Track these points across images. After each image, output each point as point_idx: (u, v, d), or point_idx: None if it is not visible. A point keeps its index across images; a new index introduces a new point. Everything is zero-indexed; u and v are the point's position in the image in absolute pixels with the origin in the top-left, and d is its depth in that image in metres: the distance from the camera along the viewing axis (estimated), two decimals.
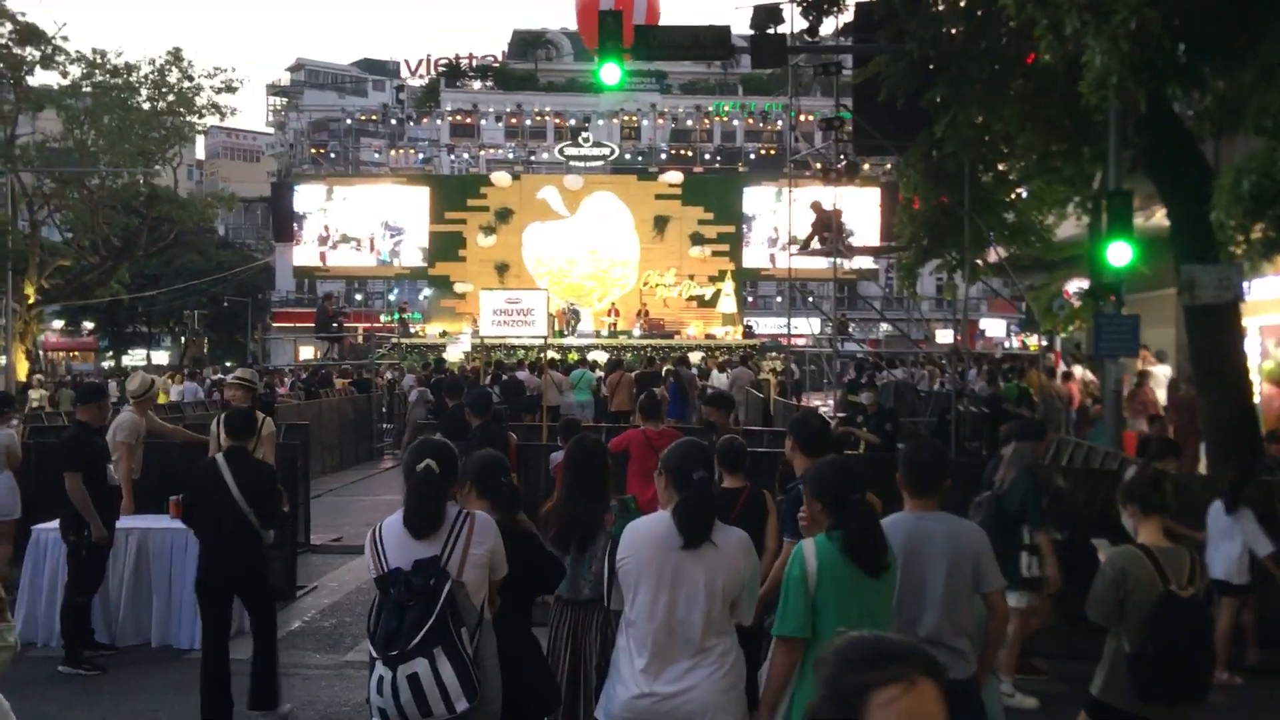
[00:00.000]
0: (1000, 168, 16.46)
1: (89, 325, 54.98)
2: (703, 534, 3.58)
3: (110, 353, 56.00)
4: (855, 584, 3.54)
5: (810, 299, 32.29)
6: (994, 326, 47.65)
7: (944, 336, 39.24)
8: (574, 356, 25.39)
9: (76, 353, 57.54)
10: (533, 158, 42.99)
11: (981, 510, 6.55)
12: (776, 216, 32.26)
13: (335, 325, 31.83)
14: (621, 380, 18.77)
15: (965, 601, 3.97)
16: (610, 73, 13.23)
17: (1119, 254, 11.33)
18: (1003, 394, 16.96)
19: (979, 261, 17.84)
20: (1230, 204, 6.94)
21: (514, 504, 4.28)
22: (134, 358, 55.16)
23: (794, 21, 15.99)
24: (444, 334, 31.14)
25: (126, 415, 7.85)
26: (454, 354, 29.37)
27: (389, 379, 23.38)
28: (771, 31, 13.85)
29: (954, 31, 13.32)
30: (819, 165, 22.37)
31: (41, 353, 50.61)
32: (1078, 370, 18.33)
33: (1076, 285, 18.20)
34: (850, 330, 30.44)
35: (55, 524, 7.14)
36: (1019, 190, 17.22)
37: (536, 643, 4.32)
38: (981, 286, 25.14)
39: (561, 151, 37.47)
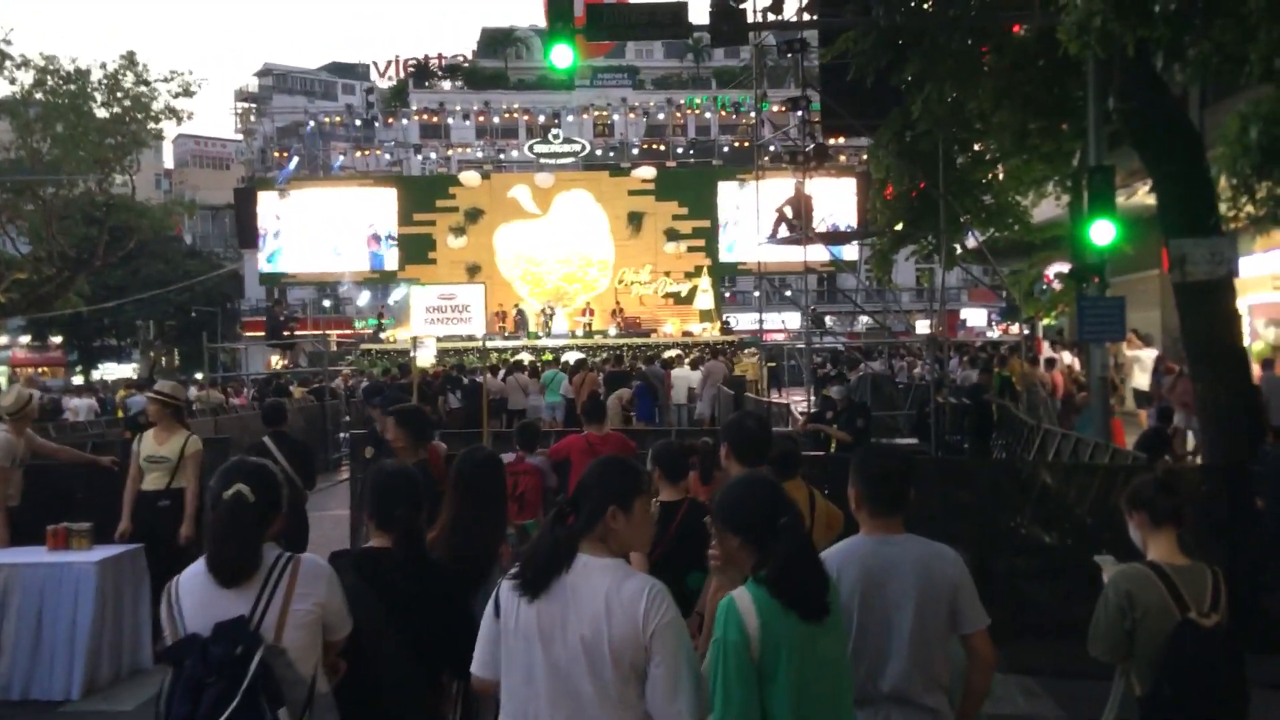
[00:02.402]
0: (976, 147, 15.80)
1: (57, 340, 53.85)
2: (536, 582, 2.71)
3: (79, 366, 54.82)
4: (803, 638, 2.70)
5: (789, 293, 31.61)
6: (975, 316, 47.13)
7: (924, 327, 38.56)
8: (548, 357, 24.58)
9: (45, 368, 56.37)
10: (502, 156, 42.09)
11: None
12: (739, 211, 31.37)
13: (286, 333, 30.87)
14: (586, 380, 17.95)
15: (940, 646, 3.15)
16: (561, 54, 12.33)
17: (1102, 233, 10.77)
18: (985, 384, 16.22)
19: (956, 246, 17.14)
20: (1237, 156, 6.16)
21: (415, 535, 3.39)
22: (104, 371, 54.05)
23: None
24: (415, 339, 30.22)
25: (0, 435, 6.96)
26: (425, 358, 28.42)
27: (349, 386, 22.45)
28: (732, 7, 13.02)
29: (924, 3, 12.62)
30: (786, 153, 21.59)
31: (8, 367, 49.72)
32: (1066, 357, 17.62)
33: (1057, 269, 17.50)
34: (829, 323, 29.68)
35: None
36: (996, 171, 16.54)
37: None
38: (961, 275, 24.50)
39: (532, 149, 36.53)
